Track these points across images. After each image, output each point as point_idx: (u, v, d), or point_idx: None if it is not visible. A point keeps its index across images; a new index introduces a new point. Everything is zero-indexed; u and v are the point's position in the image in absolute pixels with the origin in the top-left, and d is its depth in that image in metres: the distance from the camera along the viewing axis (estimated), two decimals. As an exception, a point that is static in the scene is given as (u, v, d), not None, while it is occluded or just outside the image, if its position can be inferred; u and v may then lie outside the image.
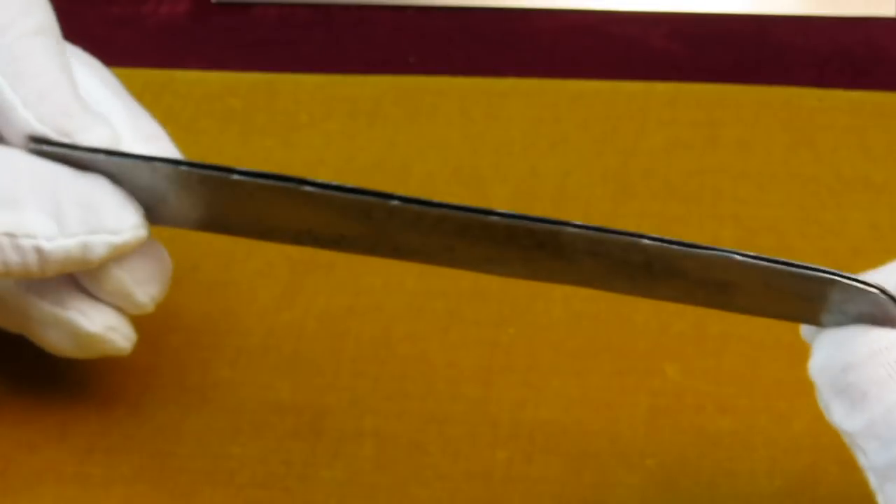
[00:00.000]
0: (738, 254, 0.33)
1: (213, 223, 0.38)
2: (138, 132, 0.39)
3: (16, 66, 0.37)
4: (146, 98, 0.53)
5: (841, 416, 0.31)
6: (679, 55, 0.56)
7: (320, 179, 0.35)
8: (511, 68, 0.55)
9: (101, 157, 0.36)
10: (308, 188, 0.35)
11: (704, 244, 0.33)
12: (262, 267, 0.47)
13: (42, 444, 0.42)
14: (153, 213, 0.38)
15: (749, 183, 0.49)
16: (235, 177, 0.35)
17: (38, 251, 0.35)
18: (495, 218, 0.34)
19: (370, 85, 0.54)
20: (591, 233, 0.33)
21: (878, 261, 0.46)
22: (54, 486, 0.41)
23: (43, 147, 0.36)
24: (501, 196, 0.49)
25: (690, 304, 0.35)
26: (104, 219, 0.36)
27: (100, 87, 0.39)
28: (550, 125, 0.52)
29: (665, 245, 0.33)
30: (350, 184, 0.35)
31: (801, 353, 0.34)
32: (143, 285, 0.38)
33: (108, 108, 0.39)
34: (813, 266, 0.32)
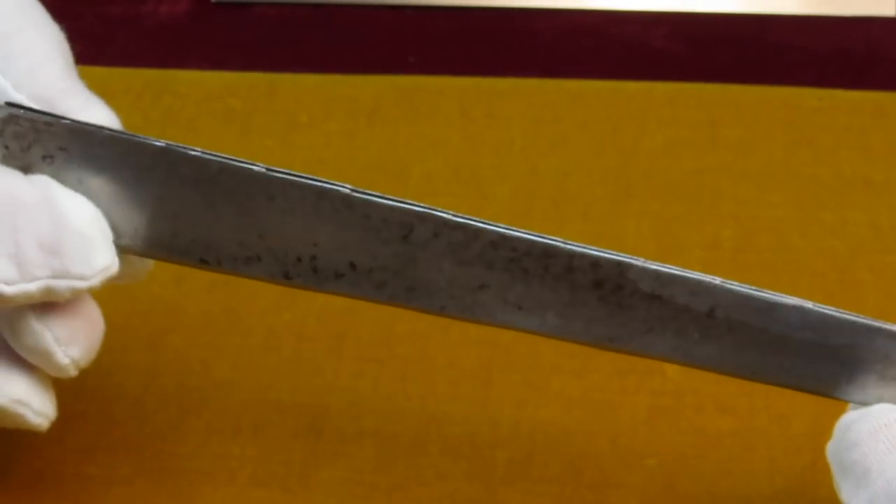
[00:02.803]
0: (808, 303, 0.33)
1: (190, 244, 0.34)
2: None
3: (1, 46, 0.34)
4: (146, 98, 0.54)
5: (848, 494, 0.32)
6: (679, 55, 0.56)
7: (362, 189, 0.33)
8: (511, 68, 0.55)
9: (81, 133, 0.34)
10: (352, 193, 0.33)
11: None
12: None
13: (42, 444, 0.42)
14: (120, 229, 0.34)
15: (749, 183, 0.49)
16: (260, 170, 0.33)
17: None
18: (559, 244, 0.33)
19: (370, 85, 0.54)
20: (661, 270, 0.33)
21: (878, 261, 0.47)
22: (54, 486, 0.41)
23: (20, 112, 0.33)
24: (501, 196, 0.49)
25: (729, 370, 0.34)
26: (69, 264, 0.33)
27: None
28: (550, 125, 0.52)
29: (735, 288, 0.33)
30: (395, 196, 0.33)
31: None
32: (66, 345, 0.34)
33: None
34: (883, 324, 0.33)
